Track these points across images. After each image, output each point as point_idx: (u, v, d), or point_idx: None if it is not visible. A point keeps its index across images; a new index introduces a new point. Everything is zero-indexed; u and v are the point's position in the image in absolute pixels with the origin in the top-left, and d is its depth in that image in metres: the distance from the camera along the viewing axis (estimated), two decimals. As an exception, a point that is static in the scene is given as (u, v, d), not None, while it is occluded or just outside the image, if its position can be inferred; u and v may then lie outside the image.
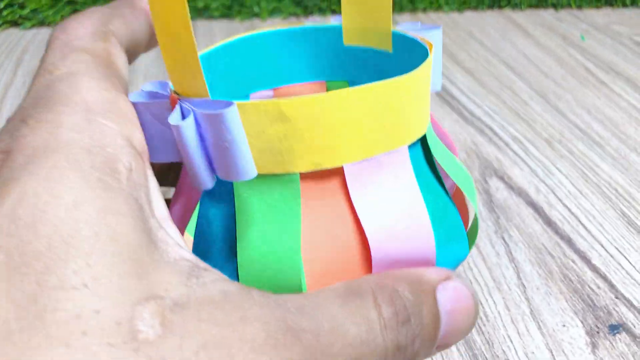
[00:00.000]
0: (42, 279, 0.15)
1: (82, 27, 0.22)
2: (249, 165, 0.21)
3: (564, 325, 0.35)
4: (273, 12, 0.77)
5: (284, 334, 0.17)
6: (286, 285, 0.22)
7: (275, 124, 0.21)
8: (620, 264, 0.39)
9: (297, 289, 0.22)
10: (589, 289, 0.38)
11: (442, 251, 0.24)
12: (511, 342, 0.34)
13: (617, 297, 0.37)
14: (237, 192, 0.22)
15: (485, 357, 0.33)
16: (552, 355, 0.33)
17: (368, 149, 0.22)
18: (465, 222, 0.27)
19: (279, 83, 0.31)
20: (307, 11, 0.78)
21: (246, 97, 0.31)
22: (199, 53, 0.27)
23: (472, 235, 0.27)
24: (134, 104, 0.22)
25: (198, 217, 0.24)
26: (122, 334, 0.15)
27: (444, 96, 0.60)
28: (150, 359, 0.15)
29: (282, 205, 0.23)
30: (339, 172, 0.23)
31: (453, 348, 0.33)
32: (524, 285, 0.38)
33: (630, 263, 0.40)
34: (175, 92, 0.22)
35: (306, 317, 0.18)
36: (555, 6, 0.84)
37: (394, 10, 0.81)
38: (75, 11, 0.73)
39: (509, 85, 0.63)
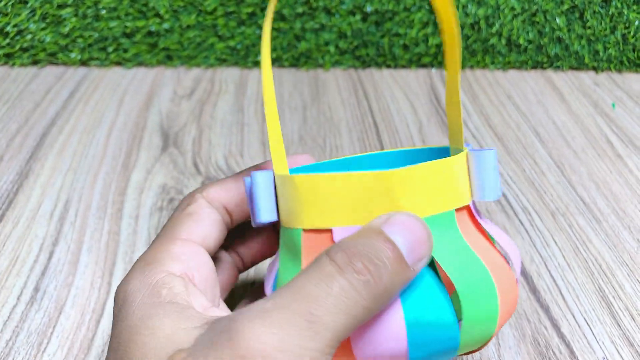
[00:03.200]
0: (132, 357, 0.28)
1: (187, 195, 0.38)
2: (261, 211, 0.34)
3: (523, 381, 0.45)
4: (335, 64, 0.88)
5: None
6: None
7: (291, 191, 0.33)
8: (584, 334, 0.49)
9: None
10: (551, 353, 0.47)
11: (419, 334, 0.29)
12: (478, 390, 0.44)
13: (573, 362, 0.46)
14: (281, 244, 0.35)
15: (455, 400, 0.43)
16: (508, 404, 0.43)
17: (353, 218, 0.30)
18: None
19: None
20: (365, 65, 0.89)
21: None
22: (327, 159, 0.40)
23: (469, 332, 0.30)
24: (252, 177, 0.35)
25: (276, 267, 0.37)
26: None
27: (471, 160, 0.69)
28: None
29: (291, 256, 0.34)
30: (330, 237, 0.31)
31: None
32: (499, 344, 0.48)
33: (593, 334, 0.49)
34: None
35: (290, 291, 0.27)
36: (595, 69, 0.91)
37: (445, 67, 0.90)
38: (168, 57, 0.87)
39: (531, 153, 0.72)
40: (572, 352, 0.47)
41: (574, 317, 0.50)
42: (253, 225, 0.36)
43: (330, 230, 0.31)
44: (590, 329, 0.49)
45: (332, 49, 0.86)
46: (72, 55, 0.85)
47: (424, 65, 0.90)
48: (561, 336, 0.48)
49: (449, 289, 0.35)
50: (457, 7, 0.84)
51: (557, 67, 0.91)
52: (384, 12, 0.84)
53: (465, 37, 0.87)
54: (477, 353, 0.47)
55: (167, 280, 0.33)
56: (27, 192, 0.62)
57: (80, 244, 0.56)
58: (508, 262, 0.35)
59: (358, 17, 0.85)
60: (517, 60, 0.89)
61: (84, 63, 0.87)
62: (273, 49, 0.87)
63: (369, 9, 0.84)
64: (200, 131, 0.74)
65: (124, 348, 0.30)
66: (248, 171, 0.40)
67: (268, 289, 0.37)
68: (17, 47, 0.84)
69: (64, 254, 0.55)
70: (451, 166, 0.32)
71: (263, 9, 0.83)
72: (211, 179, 0.65)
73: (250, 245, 0.42)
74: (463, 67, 0.90)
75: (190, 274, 0.34)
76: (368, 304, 0.26)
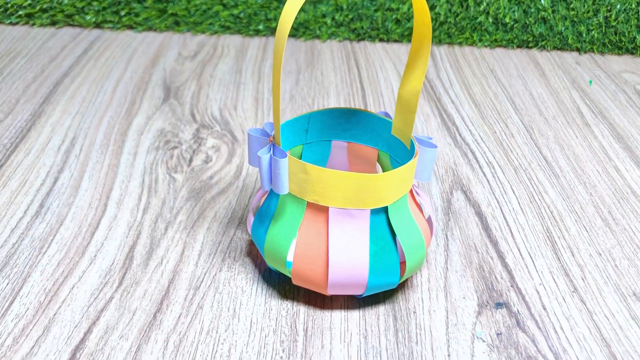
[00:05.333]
0: None
1: None
2: (284, 188, 0.45)
3: (463, 297, 0.50)
4: (331, 36, 0.94)
5: None
6: (280, 254, 0.46)
7: (301, 173, 0.42)
8: (526, 265, 0.54)
9: (283, 259, 0.46)
10: (494, 277, 0.52)
11: (375, 277, 0.46)
12: (422, 302, 0.50)
13: (511, 286, 0.52)
14: (281, 198, 0.47)
15: (400, 308, 0.49)
16: (447, 313, 0.49)
17: (345, 203, 0.45)
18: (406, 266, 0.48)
19: (352, 139, 0.55)
20: (359, 37, 0.95)
21: (329, 142, 0.56)
22: (307, 113, 0.53)
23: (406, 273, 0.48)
24: (249, 135, 0.47)
25: (264, 201, 0.49)
26: None
27: (447, 122, 0.75)
28: None
29: (294, 214, 0.46)
30: (326, 210, 0.45)
31: (379, 297, 0.49)
32: (447, 268, 0.53)
33: (534, 265, 0.54)
34: (272, 137, 0.45)
35: None
36: (579, 50, 0.96)
37: (435, 42, 0.95)
38: (176, 22, 0.93)
39: (504, 118, 0.77)
40: (512, 277, 0.52)
41: (519, 251, 0.55)
42: (263, 189, 0.47)
43: (327, 208, 0.45)
44: (533, 261, 0.54)
45: (328, 20, 0.92)
46: (88, 17, 0.92)
47: (415, 40, 0.95)
48: (505, 265, 0.54)
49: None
50: (447, -15, 0.90)
51: (542, 47, 0.96)
52: (377, -13, 0.90)
53: (455, 14, 0.92)
54: (426, 274, 0.53)
55: None
56: (39, 129, 0.69)
57: (83, 172, 0.62)
58: (424, 215, 0.51)
59: (353, -9, 0.91)
60: (503, 39, 0.94)
61: (98, 25, 0.93)
62: (273, 19, 0.93)
63: (363, -17, 0.89)
64: (199, 87, 0.80)
65: None
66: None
67: (250, 219, 0.51)
68: (38, 8, 0.91)
69: (67, 179, 0.61)
70: (414, 165, 0.46)
71: (265, -20, 0.90)
72: (205, 127, 0.71)
73: None
74: (452, 43, 0.95)
75: None
76: None
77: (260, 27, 0.93)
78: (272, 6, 0.91)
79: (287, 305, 0.49)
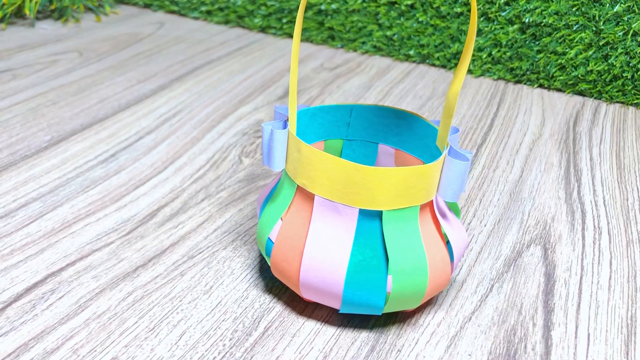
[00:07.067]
0: None
1: None
2: (276, 163, 0.41)
3: (469, 355, 0.40)
4: (485, 72, 0.87)
5: None
6: (263, 234, 0.42)
7: (296, 152, 0.40)
8: (575, 345, 0.42)
9: (266, 237, 0.42)
10: (523, 346, 0.41)
11: (352, 291, 0.38)
12: (415, 343, 0.41)
13: (541, 362, 0.40)
14: (281, 179, 0.43)
15: (385, 342, 0.41)
16: (437, 365, 0.39)
17: (331, 194, 0.39)
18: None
19: (400, 146, 0.49)
20: (517, 79, 0.86)
21: (376, 145, 0.50)
22: (349, 103, 0.49)
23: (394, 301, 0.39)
24: (275, 110, 0.44)
25: (275, 186, 0.45)
26: None
27: (571, 177, 0.63)
28: None
29: (285, 197, 0.42)
30: (313, 198, 0.40)
31: (369, 322, 0.42)
32: (470, 319, 0.43)
33: (587, 348, 0.41)
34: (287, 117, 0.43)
35: None
36: None
37: (605, 99, 0.82)
38: (332, 37, 0.94)
39: (649, 188, 0.62)
40: (547, 353, 0.41)
41: (576, 328, 0.43)
42: (264, 164, 0.44)
43: (314, 195, 0.39)
44: (588, 344, 0.42)
45: (484, 55, 0.85)
46: (256, 20, 0.97)
47: (581, 93, 0.83)
48: (547, 338, 0.42)
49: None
50: (628, 34, 0.77)
51: None
52: (543, 25, 0.81)
53: (634, 69, 0.78)
54: (440, 317, 0.44)
55: None
56: (156, 98, 0.74)
57: (166, 138, 0.65)
58: (447, 249, 0.41)
59: (516, 26, 0.82)
60: (695, 108, 0.78)
61: (263, 30, 0.98)
62: (426, 45, 0.88)
63: (527, 19, 0.81)
64: (320, 94, 0.79)
65: None
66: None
67: (262, 196, 0.46)
68: (216, 6, 0.99)
69: (149, 141, 0.64)
70: (425, 172, 0.38)
71: (423, 4, 0.86)
72: (302, 127, 0.69)
73: None
74: (626, 102, 0.81)
75: None
76: None
77: (412, 52, 0.89)
78: (426, 32, 0.87)
79: (265, 300, 0.44)
